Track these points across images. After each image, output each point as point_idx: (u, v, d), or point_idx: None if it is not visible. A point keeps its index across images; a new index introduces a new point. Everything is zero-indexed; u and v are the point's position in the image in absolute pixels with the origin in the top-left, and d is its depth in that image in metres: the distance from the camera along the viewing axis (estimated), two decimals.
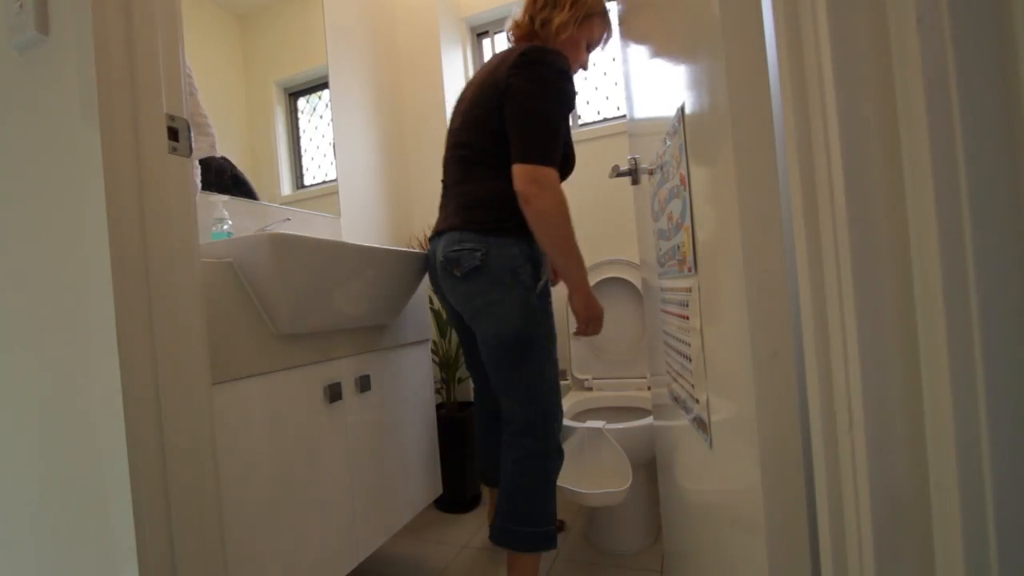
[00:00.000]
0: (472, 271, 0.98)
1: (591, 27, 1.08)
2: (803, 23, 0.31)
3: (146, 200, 0.56)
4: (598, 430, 1.20)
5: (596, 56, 1.91)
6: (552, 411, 1.03)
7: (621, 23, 1.07)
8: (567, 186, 1.01)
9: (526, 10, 1.08)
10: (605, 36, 1.11)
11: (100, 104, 0.53)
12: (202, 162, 1.03)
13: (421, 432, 1.25)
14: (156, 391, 0.56)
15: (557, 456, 1.03)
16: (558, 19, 1.03)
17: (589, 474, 1.18)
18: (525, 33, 1.08)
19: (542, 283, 1.04)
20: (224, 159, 1.19)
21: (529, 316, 0.99)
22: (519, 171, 0.93)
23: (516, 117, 0.96)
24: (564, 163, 1.06)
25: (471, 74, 2.08)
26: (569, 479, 1.14)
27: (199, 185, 0.96)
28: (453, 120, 1.14)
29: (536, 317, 1.00)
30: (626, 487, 1.08)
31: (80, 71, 0.54)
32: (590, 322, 1.07)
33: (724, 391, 0.46)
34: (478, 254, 0.97)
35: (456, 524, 1.49)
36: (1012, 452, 0.25)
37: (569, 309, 1.65)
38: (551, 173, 0.94)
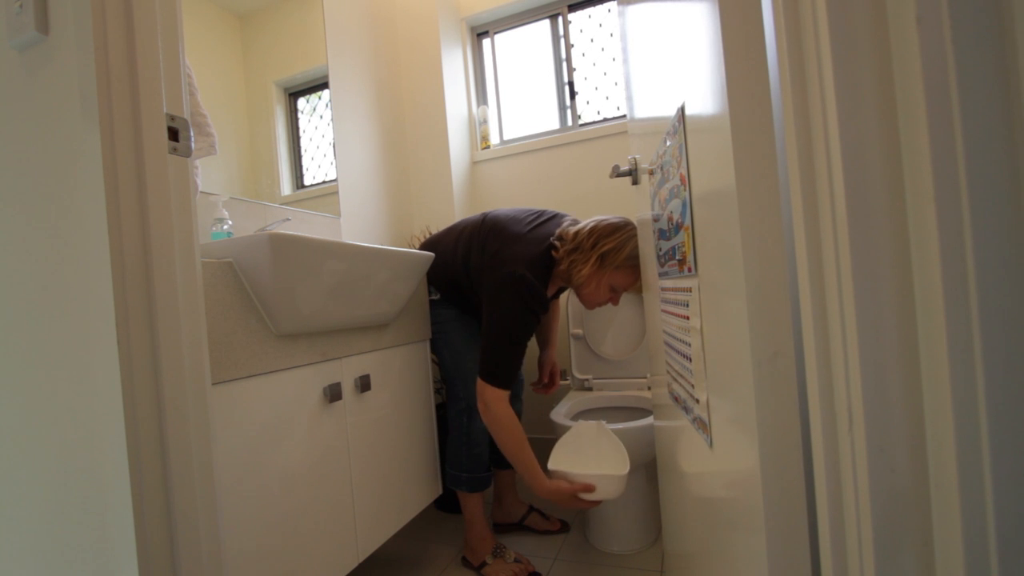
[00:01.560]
0: None
1: (617, 277, 1.14)
2: (803, 23, 0.31)
3: (146, 200, 0.56)
4: (597, 423, 1.20)
5: (597, 55, 1.91)
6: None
7: (622, 22, 1.07)
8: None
9: (562, 244, 1.15)
10: (634, 279, 1.14)
11: (100, 104, 0.53)
12: None
13: (421, 432, 1.25)
14: (156, 391, 0.56)
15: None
16: (584, 271, 1.12)
17: (586, 467, 1.18)
18: (559, 260, 1.15)
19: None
20: None
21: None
22: (478, 383, 1.14)
23: (483, 332, 1.14)
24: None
25: (471, 74, 2.08)
26: (565, 466, 1.14)
27: (199, 185, 0.96)
28: (460, 241, 1.27)
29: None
30: (624, 473, 1.07)
31: (80, 71, 0.54)
32: (564, 502, 1.11)
33: (724, 391, 0.46)
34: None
35: (456, 524, 1.49)
36: (1012, 452, 0.25)
37: (569, 309, 1.66)
38: (496, 395, 1.11)
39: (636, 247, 1.10)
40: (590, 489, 1.10)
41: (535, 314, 1.13)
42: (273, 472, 0.80)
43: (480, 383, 1.13)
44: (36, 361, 0.62)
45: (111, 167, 0.53)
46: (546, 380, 1.51)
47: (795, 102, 0.32)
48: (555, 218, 1.25)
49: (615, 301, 1.20)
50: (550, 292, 1.22)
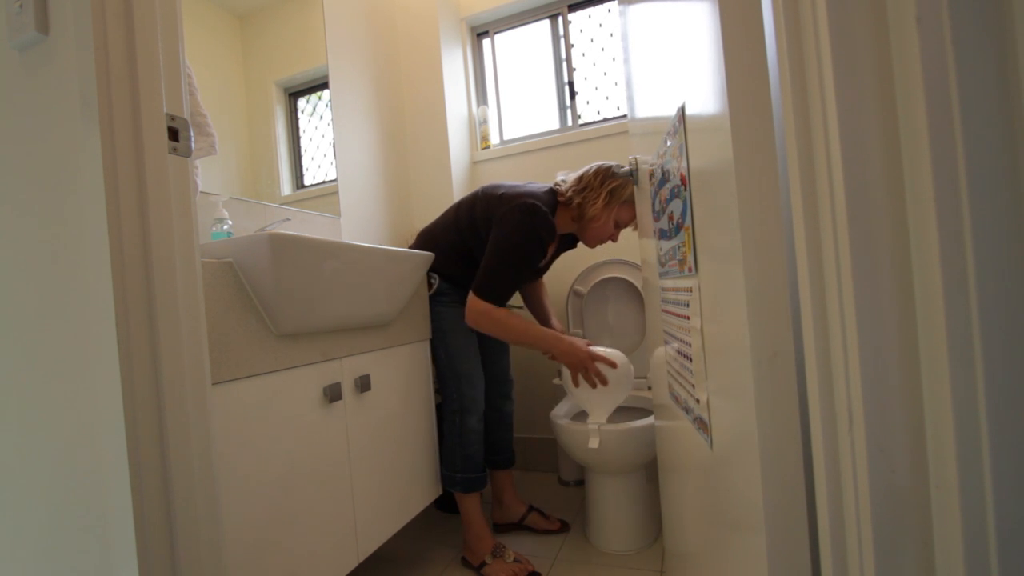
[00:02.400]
0: None
1: (622, 212, 1.26)
2: (803, 23, 0.31)
3: (146, 200, 0.56)
4: (593, 429, 1.20)
5: (597, 55, 1.91)
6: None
7: (623, 22, 1.07)
8: None
9: (570, 187, 1.26)
10: (635, 215, 1.24)
11: (100, 104, 0.53)
12: None
13: (421, 432, 1.25)
14: (156, 391, 0.56)
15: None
16: (591, 210, 1.23)
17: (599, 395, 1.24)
18: (566, 200, 1.26)
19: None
20: None
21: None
22: (469, 298, 1.19)
23: (488, 249, 1.20)
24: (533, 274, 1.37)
25: (471, 74, 2.08)
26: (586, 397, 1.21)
27: (199, 185, 0.96)
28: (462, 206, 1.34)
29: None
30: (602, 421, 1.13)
31: (80, 71, 0.54)
32: (577, 369, 1.25)
33: (724, 391, 0.46)
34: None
35: (456, 524, 1.49)
36: (1012, 452, 0.25)
37: (569, 309, 1.66)
38: (485, 306, 1.17)
39: (626, 182, 1.22)
40: (611, 364, 1.22)
41: (541, 243, 1.19)
42: (273, 472, 0.80)
43: (472, 297, 1.18)
44: (36, 361, 0.62)
45: (111, 167, 0.53)
46: None
47: (795, 102, 0.32)
48: (543, 184, 1.34)
49: (615, 238, 1.31)
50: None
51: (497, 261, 1.17)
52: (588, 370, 1.23)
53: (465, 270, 1.29)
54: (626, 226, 1.29)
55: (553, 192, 1.27)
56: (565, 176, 1.30)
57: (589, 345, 1.26)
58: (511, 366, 1.49)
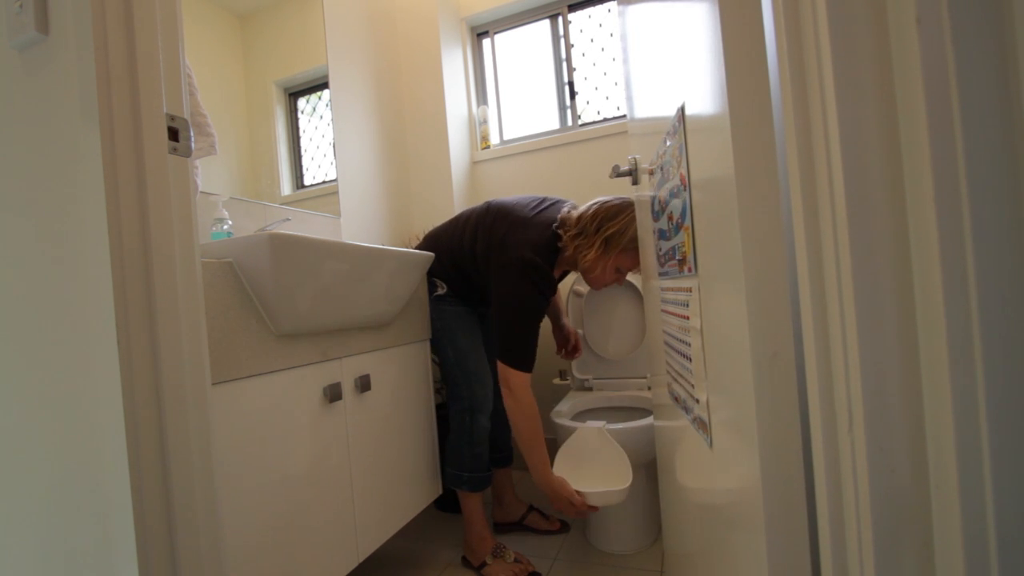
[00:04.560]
0: None
1: (623, 259, 1.16)
2: (803, 23, 0.31)
3: (146, 200, 0.56)
4: (599, 429, 1.20)
5: (597, 55, 1.91)
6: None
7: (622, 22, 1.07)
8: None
9: (566, 230, 1.17)
10: (639, 260, 1.15)
11: (100, 104, 0.53)
12: None
13: (421, 432, 1.25)
14: (156, 391, 0.56)
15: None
16: (589, 256, 1.14)
17: (589, 474, 1.18)
18: (566, 243, 1.17)
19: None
20: None
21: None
22: (499, 367, 1.17)
23: (496, 317, 1.17)
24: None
25: (471, 74, 2.08)
26: (570, 478, 1.14)
27: (199, 185, 0.96)
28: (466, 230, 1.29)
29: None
30: (626, 486, 1.08)
31: (80, 71, 0.54)
32: (560, 505, 1.14)
33: (724, 391, 0.46)
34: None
35: (456, 524, 1.49)
36: (1012, 452, 0.25)
37: (569, 309, 1.66)
38: (517, 377, 1.14)
39: (634, 229, 1.11)
40: (593, 510, 1.13)
41: (544, 297, 1.16)
42: (273, 472, 0.80)
43: (502, 367, 1.15)
44: (36, 361, 0.62)
45: (111, 167, 0.53)
46: (570, 347, 1.53)
47: (795, 102, 0.32)
48: (557, 204, 1.27)
49: (620, 281, 1.24)
50: (556, 274, 1.25)
51: (512, 329, 1.15)
52: (571, 511, 1.14)
53: (466, 287, 1.29)
54: (629, 271, 1.21)
55: (557, 233, 1.18)
56: (575, 207, 1.22)
57: (578, 492, 1.13)
58: None
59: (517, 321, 1.15)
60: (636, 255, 1.14)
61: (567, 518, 1.46)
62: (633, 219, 1.11)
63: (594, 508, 1.13)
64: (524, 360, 1.15)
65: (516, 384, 1.14)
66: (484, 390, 1.27)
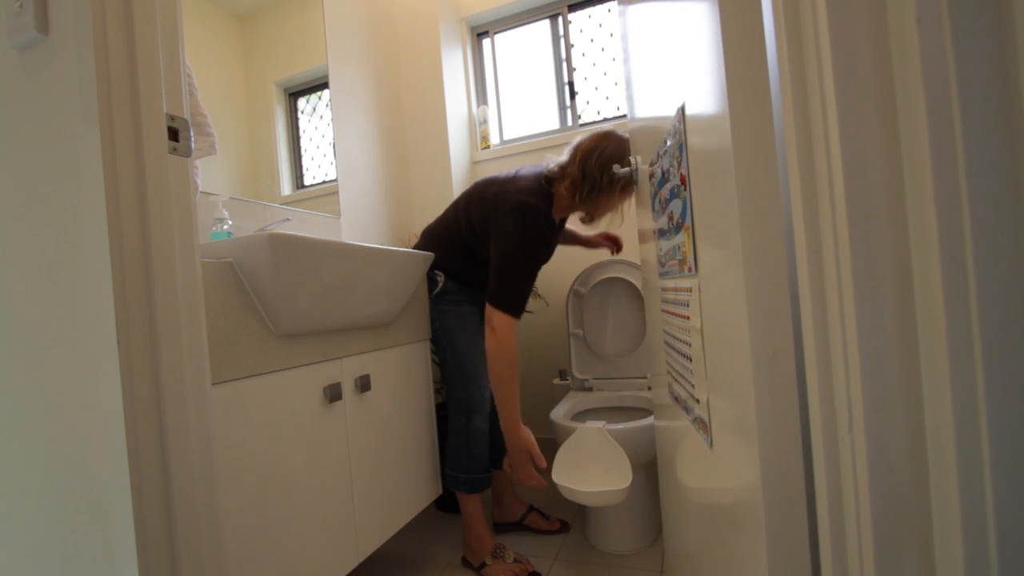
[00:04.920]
0: None
1: (624, 194, 1.22)
2: (803, 23, 0.31)
3: (146, 200, 0.56)
4: (599, 429, 1.20)
5: (597, 55, 1.91)
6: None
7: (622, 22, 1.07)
8: None
9: (566, 166, 1.22)
10: (630, 193, 1.22)
11: (100, 104, 0.53)
12: None
13: (421, 432, 1.25)
14: (156, 391, 0.56)
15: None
16: (609, 204, 1.22)
17: (589, 474, 1.18)
18: (564, 185, 1.22)
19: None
20: None
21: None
22: (487, 308, 1.17)
23: (493, 260, 1.18)
24: None
25: (471, 74, 2.08)
26: (569, 478, 1.14)
27: (199, 185, 0.96)
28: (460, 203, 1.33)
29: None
30: (625, 487, 1.08)
31: (80, 71, 0.54)
32: (514, 467, 1.20)
33: (724, 391, 0.46)
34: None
35: (456, 524, 1.49)
36: (1012, 452, 0.25)
37: (569, 309, 1.66)
38: (503, 319, 1.15)
39: (623, 156, 1.16)
40: (542, 484, 1.18)
41: (545, 239, 1.19)
42: (273, 472, 0.80)
43: (490, 308, 1.16)
44: (36, 361, 0.62)
45: (111, 167, 0.53)
46: (611, 240, 1.54)
47: (795, 102, 0.32)
48: (538, 165, 1.32)
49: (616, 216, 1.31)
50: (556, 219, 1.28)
51: (506, 271, 1.16)
52: (528, 469, 1.18)
53: (469, 268, 1.29)
54: (622, 202, 1.29)
55: (545, 178, 1.24)
56: (556, 160, 1.27)
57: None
58: None
59: (512, 263, 1.16)
60: (628, 192, 1.22)
61: (569, 517, 1.46)
62: (616, 148, 1.19)
63: (542, 483, 1.18)
64: (513, 304, 1.16)
65: (500, 324, 1.15)
66: (480, 391, 1.27)
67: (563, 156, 1.24)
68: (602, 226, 1.34)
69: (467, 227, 1.27)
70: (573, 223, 1.48)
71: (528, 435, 1.18)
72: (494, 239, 1.19)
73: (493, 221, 1.20)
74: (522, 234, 1.16)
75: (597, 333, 1.63)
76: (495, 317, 1.15)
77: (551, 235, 1.21)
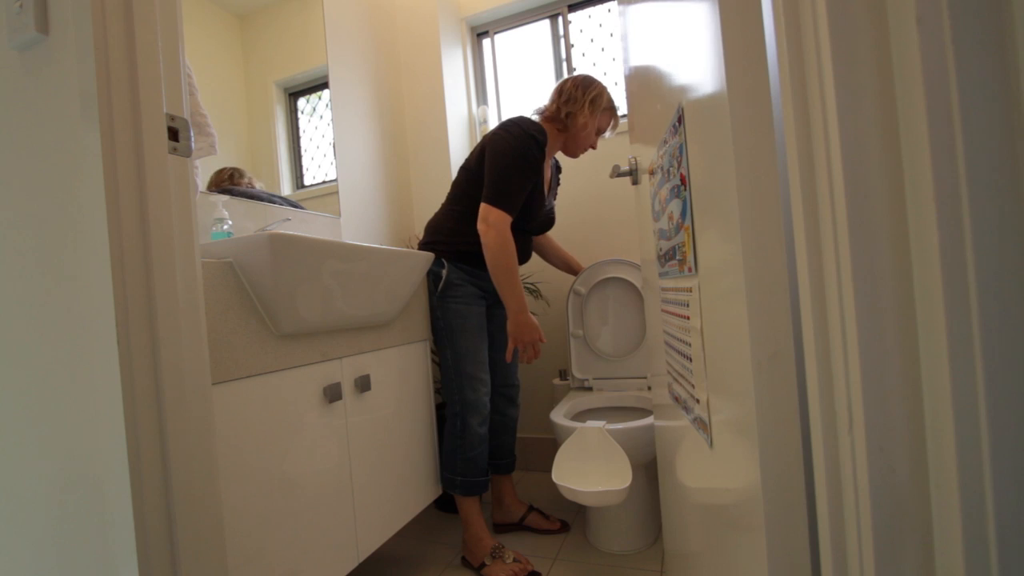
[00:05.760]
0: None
1: (603, 119, 1.36)
2: (803, 23, 0.31)
3: (146, 200, 0.56)
4: (599, 429, 1.20)
5: (597, 55, 1.91)
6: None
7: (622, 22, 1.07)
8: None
9: (553, 101, 1.35)
10: (613, 123, 1.40)
11: (100, 104, 0.53)
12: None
13: (421, 432, 1.25)
14: (156, 391, 0.56)
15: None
16: (581, 117, 1.31)
17: (589, 474, 1.18)
18: (551, 116, 1.34)
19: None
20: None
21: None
22: (480, 208, 1.22)
23: (487, 167, 1.24)
24: (544, 223, 1.40)
25: (471, 74, 2.08)
26: (569, 478, 1.14)
27: (199, 185, 0.96)
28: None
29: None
30: (625, 487, 1.08)
31: (80, 71, 0.54)
32: (522, 344, 1.27)
33: (724, 391, 0.46)
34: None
35: (456, 524, 1.49)
36: (1012, 452, 0.25)
37: (569, 309, 1.66)
38: (497, 214, 1.20)
39: (607, 93, 1.34)
40: (535, 354, 1.29)
41: (535, 141, 1.24)
42: (273, 472, 0.80)
43: (485, 207, 1.21)
44: (36, 361, 0.62)
45: (111, 167, 0.53)
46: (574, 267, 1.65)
47: (795, 102, 0.32)
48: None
49: (595, 145, 1.40)
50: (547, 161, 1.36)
51: (500, 172, 1.21)
52: (529, 350, 1.27)
53: (470, 232, 1.29)
54: (604, 132, 1.39)
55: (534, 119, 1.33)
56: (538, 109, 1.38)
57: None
58: (518, 369, 1.48)
59: (506, 165, 1.21)
60: (609, 115, 1.36)
61: (569, 517, 1.47)
62: (603, 86, 1.34)
63: (536, 354, 1.28)
64: (508, 201, 1.20)
65: (495, 219, 1.19)
66: (475, 395, 1.27)
67: (552, 95, 1.36)
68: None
69: (476, 178, 1.29)
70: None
71: (528, 320, 1.25)
72: (488, 151, 1.25)
73: (489, 143, 1.26)
74: (513, 137, 1.23)
75: (597, 333, 1.63)
76: (491, 214, 1.19)
77: (540, 140, 1.25)
